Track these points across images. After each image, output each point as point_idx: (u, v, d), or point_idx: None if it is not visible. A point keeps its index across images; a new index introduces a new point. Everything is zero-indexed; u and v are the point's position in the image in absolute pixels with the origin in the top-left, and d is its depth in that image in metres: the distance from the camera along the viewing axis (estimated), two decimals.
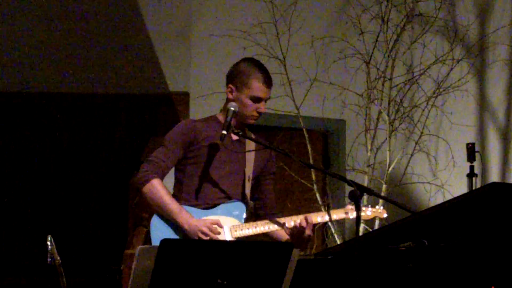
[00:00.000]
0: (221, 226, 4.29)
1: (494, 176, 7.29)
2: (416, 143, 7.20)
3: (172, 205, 4.27)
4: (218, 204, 4.37)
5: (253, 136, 4.46)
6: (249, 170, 4.44)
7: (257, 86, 4.35)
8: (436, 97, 7.19)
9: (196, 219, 4.25)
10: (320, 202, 7.02)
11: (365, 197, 5.23)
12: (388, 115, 7.11)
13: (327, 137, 7.75)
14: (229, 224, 4.34)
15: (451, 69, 7.20)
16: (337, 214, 4.45)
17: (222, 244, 3.79)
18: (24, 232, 7.21)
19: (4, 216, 7.26)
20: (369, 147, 7.13)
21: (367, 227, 6.77)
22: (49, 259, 4.01)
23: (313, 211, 4.53)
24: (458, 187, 7.11)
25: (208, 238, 4.21)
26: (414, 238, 3.93)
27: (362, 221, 4.67)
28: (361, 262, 3.91)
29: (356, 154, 7.36)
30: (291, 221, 4.35)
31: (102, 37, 7.21)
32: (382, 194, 6.81)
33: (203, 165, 4.36)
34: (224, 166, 4.40)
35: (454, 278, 4.01)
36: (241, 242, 4.16)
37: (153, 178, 4.29)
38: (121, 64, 7.22)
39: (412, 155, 7.19)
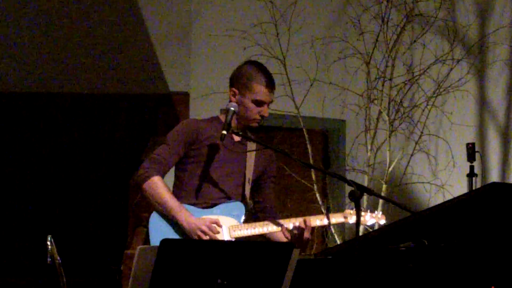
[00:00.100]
0: (220, 226, 4.29)
1: (494, 176, 7.29)
2: (416, 143, 7.20)
3: (172, 202, 4.26)
4: (218, 204, 4.37)
5: (253, 137, 4.46)
6: (249, 172, 4.44)
7: (260, 90, 4.35)
8: (436, 97, 7.19)
9: (196, 218, 4.25)
10: (320, 203, 7.02)
11: (365, 197, 5.23)
12: (388, 115, 7.10)
13: (327, 137, 7.74)
14: (228, 224, 4.34)
15: (451, 69, 7.20)
16: (336, 218, 4.45)
17: (222, 244, 3.78)
18: (24, 232, 7.21)
19: (4, 216, 7.26)
20: (369, 147, 7.13)
21: (367, 227, 6.76)
22: (49, 259, 4.00)
23: (313, 211, 4.53)
24: (458, 187, 7.11)
25: (207, 237, 4.20)
26: (414, 238, 3.93)
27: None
28: (361, 262, 3.91)
29: (356, 154, 7.35)
30: (290, 224, 4.35)
31: (102, 37, 7.21)
32: (382, 194, 6.80)
33: (204, 164, 4.37)
34: (225, 166, 4.40)
35: (454, 278, 4.01)
36: (241, 242, 4.15)
37: (154, 175, 4.29)
38: (121, 64, 7.22)
39: (412, 155, 7.18)
